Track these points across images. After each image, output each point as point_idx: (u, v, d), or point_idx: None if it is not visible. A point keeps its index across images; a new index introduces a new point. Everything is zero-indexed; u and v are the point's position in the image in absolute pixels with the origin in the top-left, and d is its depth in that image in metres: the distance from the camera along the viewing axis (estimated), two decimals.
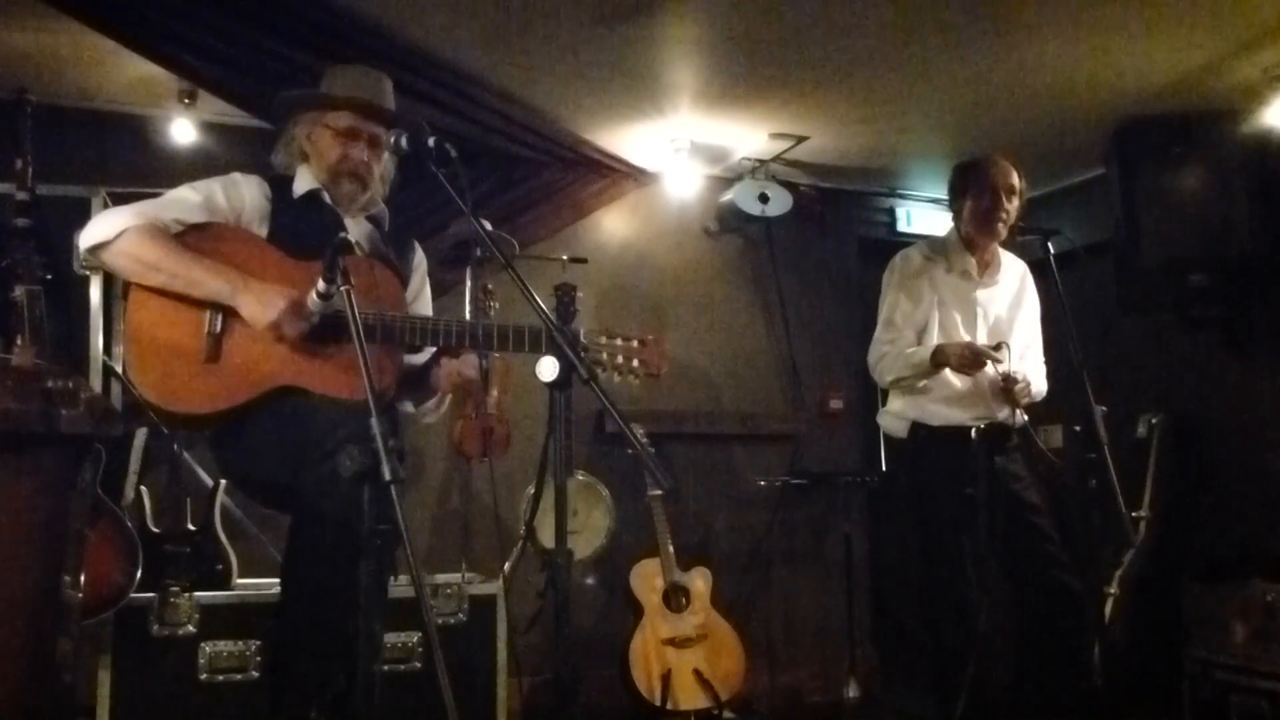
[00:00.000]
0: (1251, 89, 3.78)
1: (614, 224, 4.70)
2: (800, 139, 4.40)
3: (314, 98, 2.43)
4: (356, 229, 2.44)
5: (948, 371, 3.12)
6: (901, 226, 5.22)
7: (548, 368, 1.88)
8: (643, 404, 4.37)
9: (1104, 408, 2.84)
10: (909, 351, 3.17)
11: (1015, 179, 3.21)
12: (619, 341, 2.21)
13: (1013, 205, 3.20)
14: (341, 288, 1.87)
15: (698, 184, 4.65)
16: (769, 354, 4.93)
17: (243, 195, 2.31)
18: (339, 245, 1.96)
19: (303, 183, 2.41)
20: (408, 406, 2.50)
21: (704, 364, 4.81)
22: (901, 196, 5.24)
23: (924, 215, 5.25)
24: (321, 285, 2.06)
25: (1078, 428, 4.25)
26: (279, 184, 2.39)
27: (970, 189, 3.25)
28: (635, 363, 2.20)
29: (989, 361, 3.02)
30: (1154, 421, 4.20)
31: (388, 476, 1.63)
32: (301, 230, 2.26)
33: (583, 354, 1.96)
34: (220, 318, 2.17)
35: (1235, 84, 3.80)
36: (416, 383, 2.47)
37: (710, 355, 4.82)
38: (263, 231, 2.32)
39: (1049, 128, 4.25)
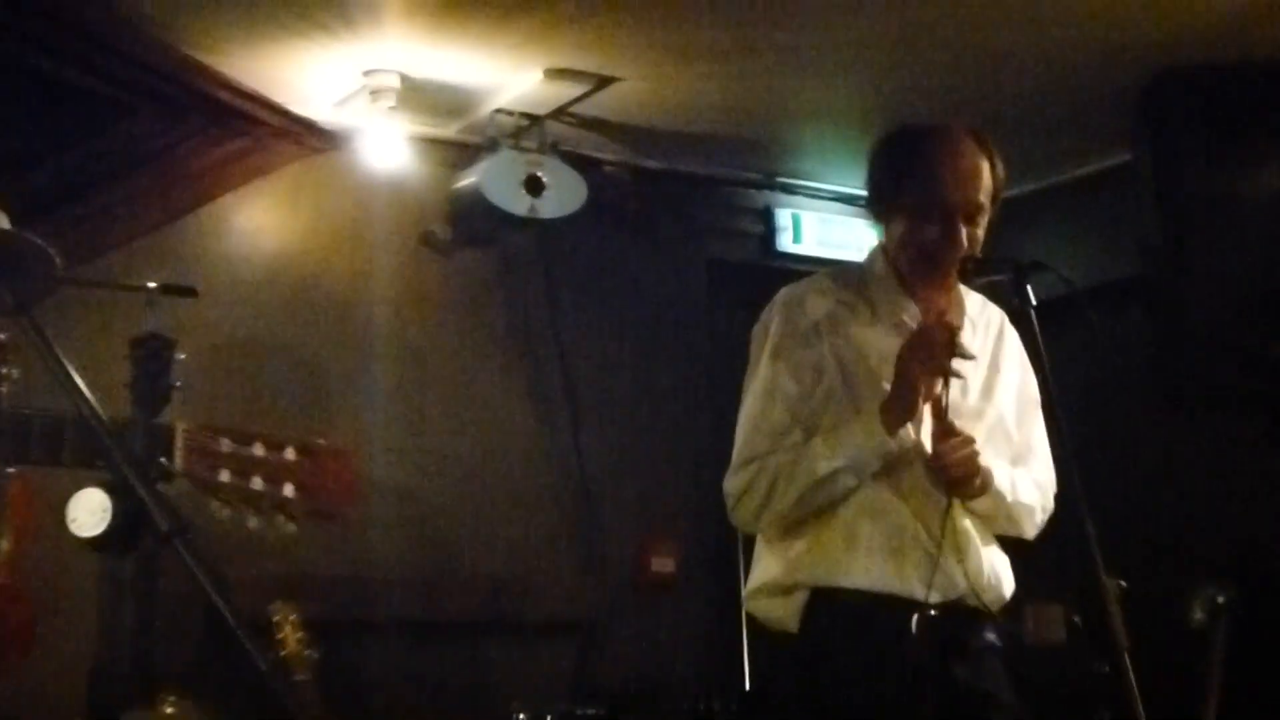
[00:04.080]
0: None
1: (257, 221, 4.69)
2: (604, 80, 4.45)
3: None
4: None
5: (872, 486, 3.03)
6: (784, 242, 5.38)
7: (89, 509, 1.74)
8: (303, 564, 4.31)
9: (1122, 582, 2.64)
10: (825, 451, 3.03)
11: (986, 178, 3.11)
12: (256, 449, 2.10)
13: (980, 227, 3.12)
14: None
15: (414, 153, 4.71)
16: (543, 467, 5.00)
17: None
18: None
19: None
20: None
21: (423, 487, 4.79)
22: (785, 190, 5.42)
23: (822, 224, 5.44)
24: None
25: (1078, 618, 4.30)
26: None
27: (906, 194, 3.13)
28: (288, 490, 2.09)
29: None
30: (1220, 600, 4.20)
31: None
32: None
33: (169, 469, 1.92)
34: None
35: None
36: None
37: (436, 469, 4.81)
38: None
39: (1025, 84, 4.49)
